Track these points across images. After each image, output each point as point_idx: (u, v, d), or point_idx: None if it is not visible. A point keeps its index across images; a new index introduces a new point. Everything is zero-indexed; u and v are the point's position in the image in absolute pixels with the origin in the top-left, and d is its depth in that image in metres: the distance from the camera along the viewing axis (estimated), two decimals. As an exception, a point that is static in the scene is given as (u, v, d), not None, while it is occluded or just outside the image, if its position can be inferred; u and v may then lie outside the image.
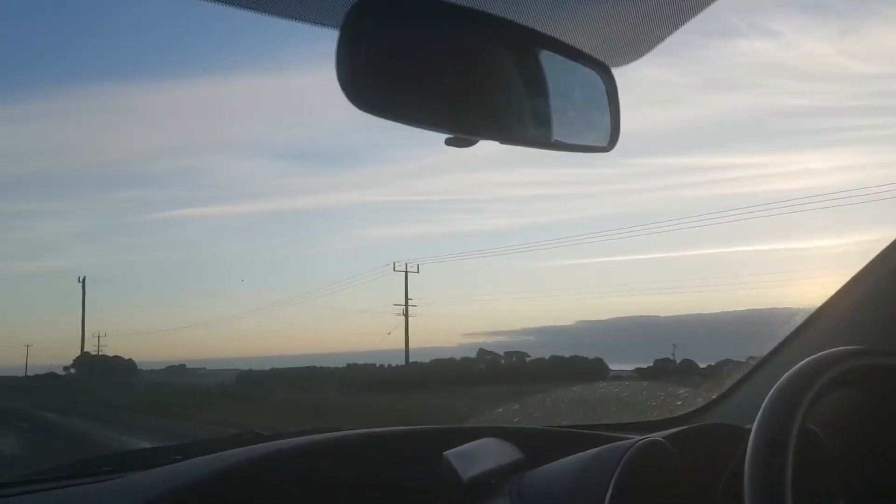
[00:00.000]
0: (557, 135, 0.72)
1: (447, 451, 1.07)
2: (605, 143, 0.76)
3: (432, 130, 0.63)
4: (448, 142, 0.69)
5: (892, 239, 1.14)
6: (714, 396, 1.39)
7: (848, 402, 1.14)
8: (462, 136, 0.64)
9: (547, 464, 1.08)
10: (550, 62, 0.70)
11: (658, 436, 0.99)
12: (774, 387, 0.81)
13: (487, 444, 1.16)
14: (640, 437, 0.96)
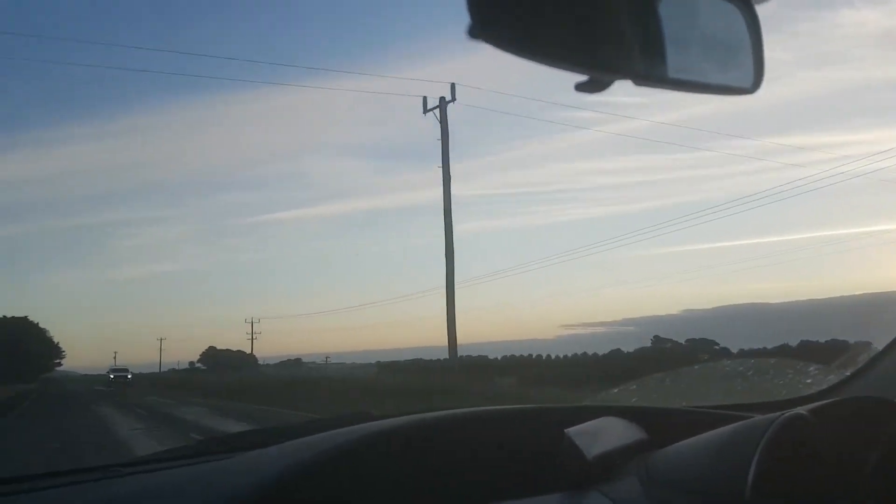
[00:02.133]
0: (697, 74, 0.66)
1: (568, 429, 1.02)
2: (748, 84, 0.69)
3: (566, 69, 0.59)
4: (579, 87, 0.65)
5: None
6: (848, 373, 1.28)
7: None
8: (598, 75, 0.59)
9: (673, 443, 1.02)
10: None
11: (801, 409, 0.91)
12: None
13: (609, 422, 1.11)
14: (780, 413, 0.89)
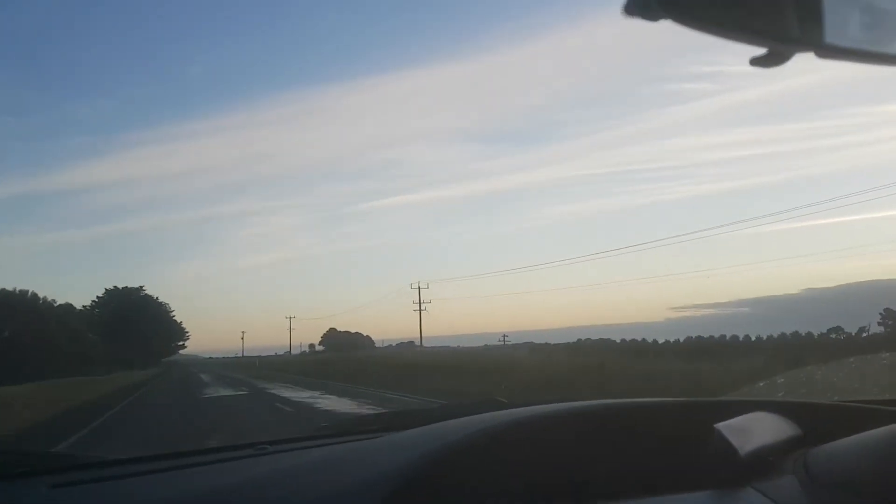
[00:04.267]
0: (887, 44, 0.60)
1: (718, 424, 0.98)
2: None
3: (746, 41, 0.55)
4: (754, 61, 0.60)
5: None
6: None
7: None
8: (783, 45, 0.55)
9: (832, 440, 0.96)
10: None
11: None
12: None
13: (760, 417, 1.06)
14: None
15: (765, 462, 0.95)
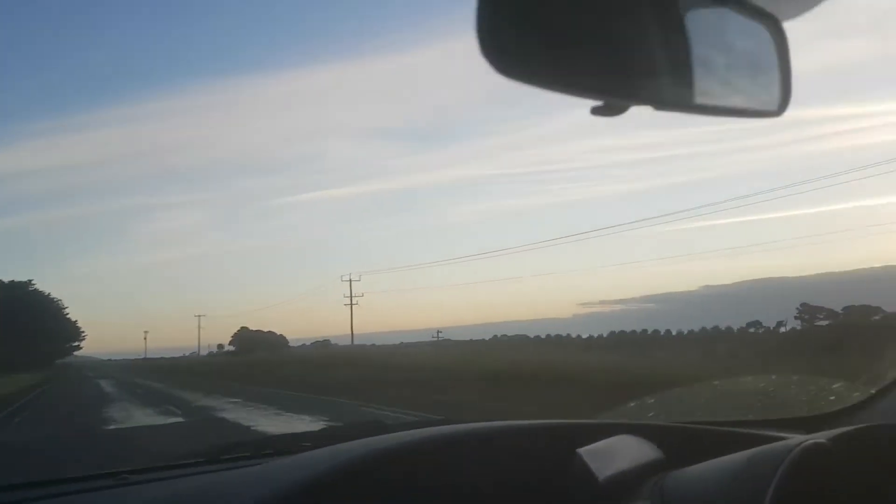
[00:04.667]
0: (719, 98, 0.63)
1: (580, 449, 1.00)
2: (774, 107, 0.66)
3: (582, 96, 0.56)
4: (595, 111, 0.62)
5: None
6: (873, 391, 1.24)
7: None
8: (615, 101, 0.56)
9: (690, 464, 0.99)
10: (712, 16, 0.61)
11: (820, 437, 0.88)
12: None
13: (623, 441, 1.08)
14: (800, 438, 0.86)
15: (623, 487, 0.98)
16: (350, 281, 51.34)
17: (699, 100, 0.63)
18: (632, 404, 1.44)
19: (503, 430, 1.11)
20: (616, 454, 1.02)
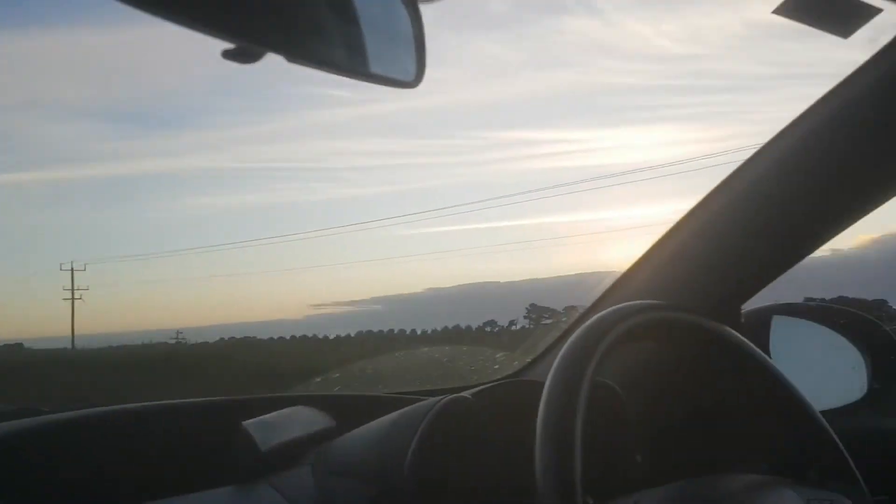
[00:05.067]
0: (356, 61, 0.67)
1: (245, 421, 0.99)
2: (410, 78, 0.72)
3: (210, 34, 0.55)
4: (226, 54, 0.61)
5: (694, 205, 1.20)
6: (529, 359, 1.41)
7: (645, 357, 1.20)
8: (247, 44, 0.56)
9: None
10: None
11: (465, 393, 0.97)
12: (567, 342, 0.82)
13: (295, 412, 1.10)
14: (444, 396, 0.94)
15: (288, 455, 0.99)
16: (72, 270, 44.23)
17: (336, 59, 0.66)
18: (318, 379, 1.47)
19: (159, 410, 1.06)
20: (283, 425, 1.03)
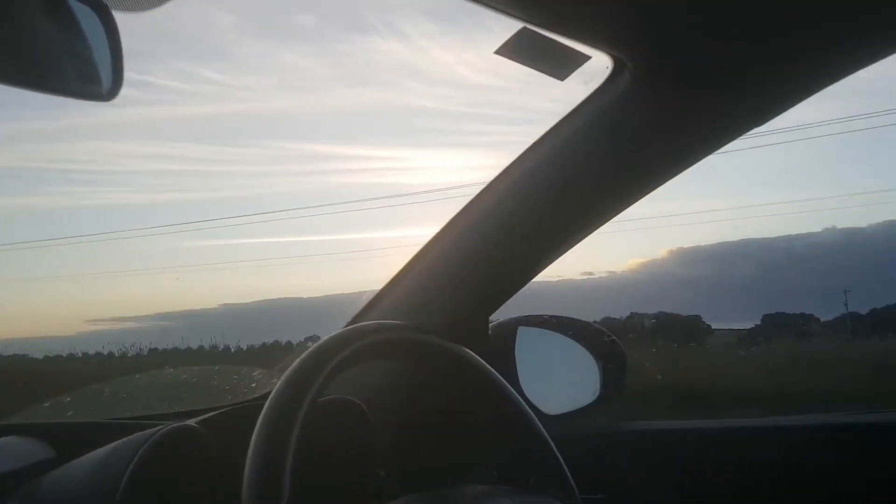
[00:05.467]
0: (43, 74, 0.61)
1: None
2: (105, 90, 0.67)
3: None
4: None
5: (442, 226, 1.25)
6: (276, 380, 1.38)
7: (393, 375, 1.23)
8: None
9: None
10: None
11: (192, 421, 0.93)
12: (292, 364, 0.81)
13: (7, 443, 0.99)
14: (167, 424, 0.90)
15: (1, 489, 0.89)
16: None
17: (17, 72, 0.60)
18: (46, 404, 1.34)
19: None
20: None
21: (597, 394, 1.49)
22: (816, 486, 1.31)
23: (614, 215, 1.15)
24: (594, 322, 1.58)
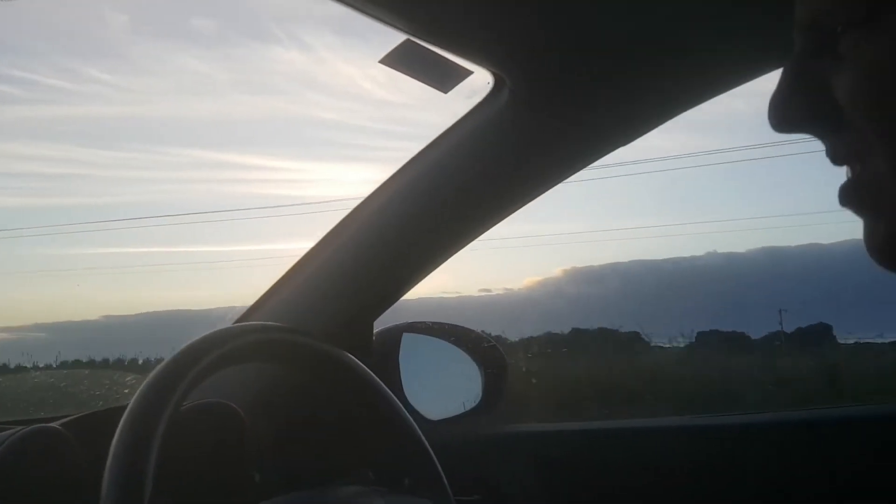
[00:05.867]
0: None
1: None
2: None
3: None
4: None
5: (325, 234, 1.25)
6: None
7: (272, 378, 1.22)
8: None
9: None
10: None
11: (56, 424, 0.90)
12: (160, 364, 0.80)
13: None
14: (24, 427, 0.86)
15: None
16: None
17: None
18: None
19: None
20: None
21: (479, 399, 1.54)
22: (690, 485, 1.39)
23: (490, 227, 1.20)
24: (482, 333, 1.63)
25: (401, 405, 1.08)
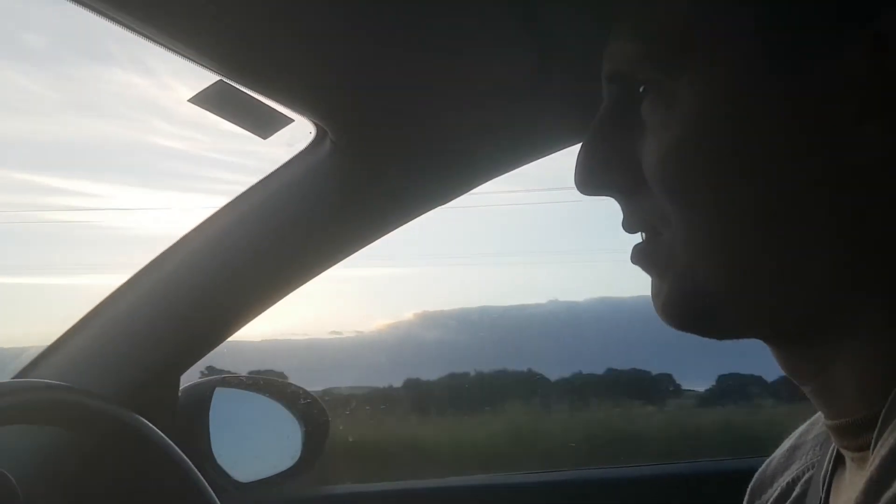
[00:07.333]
0: None
1: None
2: None
3: None
4: None
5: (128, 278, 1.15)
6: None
7: (57, 441, 1.09)
8: None
9: None
10: None
11: None
12: None
13: None
14: None
15: None
16: None
17: None
18: None
19: None
20: None
21: (296, 457, 1.46)
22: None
23: (315, 275, 1.15)
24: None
25: (198, 474, 0.99)
